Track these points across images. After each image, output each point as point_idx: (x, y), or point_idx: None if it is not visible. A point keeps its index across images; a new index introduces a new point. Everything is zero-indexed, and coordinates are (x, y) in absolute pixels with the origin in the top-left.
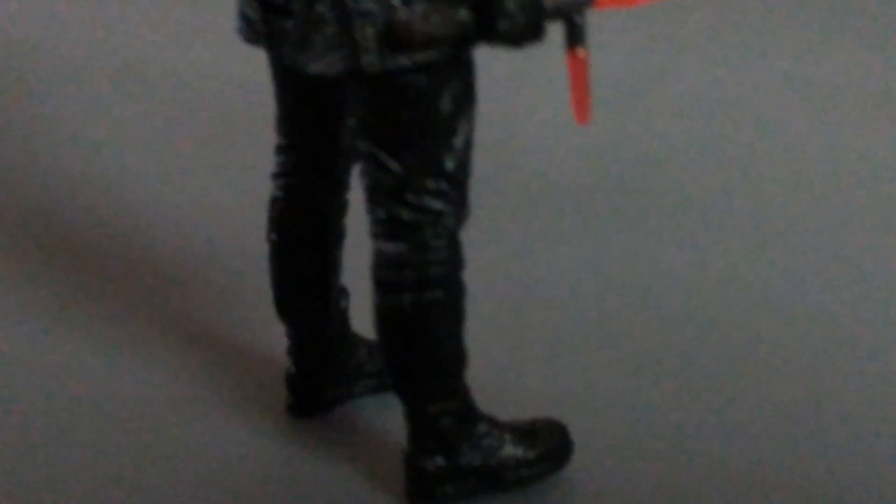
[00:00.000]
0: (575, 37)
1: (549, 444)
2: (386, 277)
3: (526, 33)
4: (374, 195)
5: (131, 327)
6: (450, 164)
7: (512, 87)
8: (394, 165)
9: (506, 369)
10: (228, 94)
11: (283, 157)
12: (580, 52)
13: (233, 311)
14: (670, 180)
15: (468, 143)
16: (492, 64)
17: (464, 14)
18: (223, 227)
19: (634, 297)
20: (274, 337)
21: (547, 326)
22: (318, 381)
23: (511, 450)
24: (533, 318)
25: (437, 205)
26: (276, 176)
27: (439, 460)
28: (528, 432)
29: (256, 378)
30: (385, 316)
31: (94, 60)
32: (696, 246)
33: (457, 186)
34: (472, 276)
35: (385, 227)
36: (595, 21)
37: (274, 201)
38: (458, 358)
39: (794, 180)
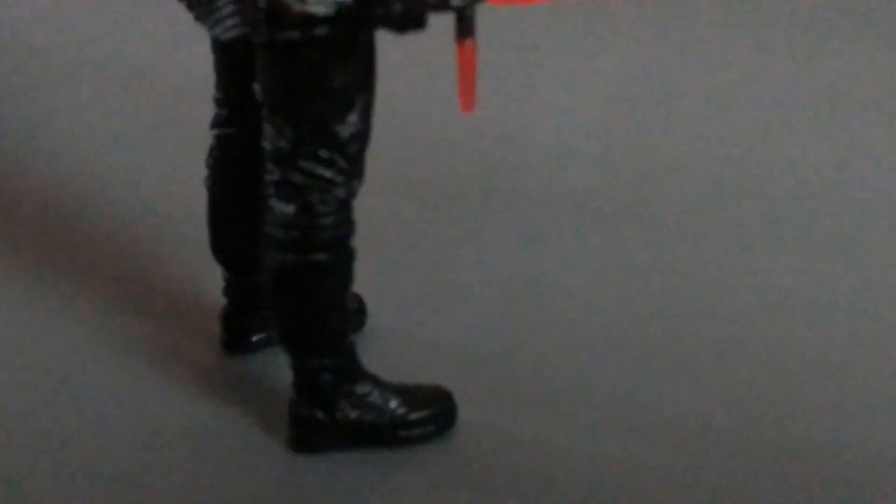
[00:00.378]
0: (464, 29)
1: (434, 408)
2: (274, 235)
3: (406, 22)
4: (271, 158)
5: (73, 280)
6: (343, 136)
7: (521, 93)
8: (290, 133)
9: (512, 376)
10: None
11: (217, 108)
12: (468, 43)
13: (182, 261)
14: (680, 183)
15: (365, 118)
16: (502, 67)
17: None
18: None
19: (644, 300)
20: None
21: (553, 327)
22: (247, 321)
23: (393, 410)
24: (540, 319)
25: (327, 173)
26: (212, 126)
27: (319, 413)
28: (412, 395)
29: (199, 317)
30: (271, 272)
31: (100, 61)
32: (707, 248)
33: (349, 157)
34: (481, 279)
35: (277, 189)
36: (604, 25)
37: (210, 150)
38: (340, 318)
39: (807, 183)
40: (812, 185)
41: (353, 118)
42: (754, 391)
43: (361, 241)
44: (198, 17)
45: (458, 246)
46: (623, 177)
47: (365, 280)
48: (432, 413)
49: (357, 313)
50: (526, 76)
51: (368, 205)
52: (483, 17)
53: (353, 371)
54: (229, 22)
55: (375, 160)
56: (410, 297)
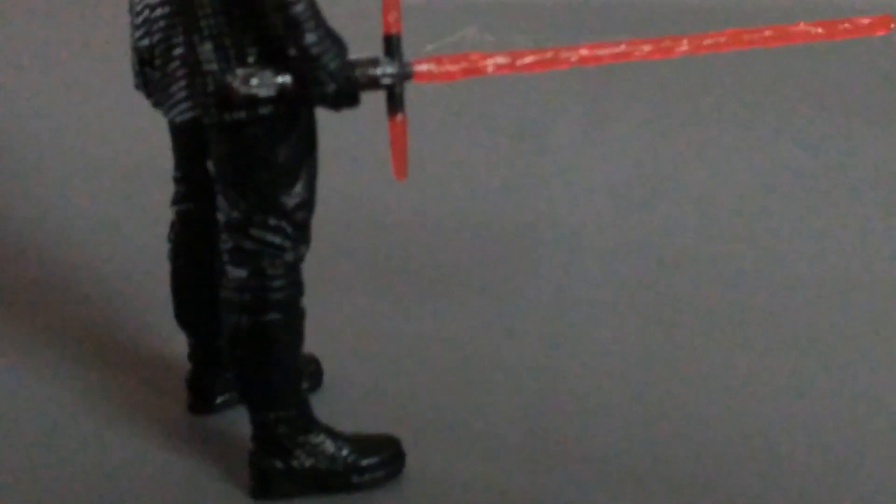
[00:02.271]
0: (394, 104)
1: (383, 454)
2: (230, 298)
3: (341, 100)
4: (225, 227)
5: (54, 339)
6: (290, 206)
7: (526, 183)
8: (241, 204)
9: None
10: None
11: (176, 186)
12: (399, 117)
13: (150, 325)
14: (689, 276)
15: (310, 188)
16: (507, 156)
17: (284, 79)
18: None
19: (649, 389)
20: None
21: (574, 432)
22: (211, 383)
23: (345, 457)
24: (559, 423)
25: (276, 240)
26: (172, 203)
27: (277, 462)
28: (362, 443)
29: (166, 380)
30: (229, 332)
31: (108, 157)
32: (713, 342)
33: (296, 224)
34: (495, 378)
35: (231, 255)
36: (607, 112)
37: (172, 225)
38: (294, 373)
39: (815, 275)
40: (820, 278)
41: (298, 189)
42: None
43: (364, 336)
44: (156, 104)
45: (461, 339)
46: (631, 270)
47: (367, 372)
48: (382, 459)
49: (314, 375)
50: (531, 165)
51: (378, 298)
52: (489, 107)
53: (307, 422)
54: (182, 106)
55: (389, 254)
56: (414, 385)
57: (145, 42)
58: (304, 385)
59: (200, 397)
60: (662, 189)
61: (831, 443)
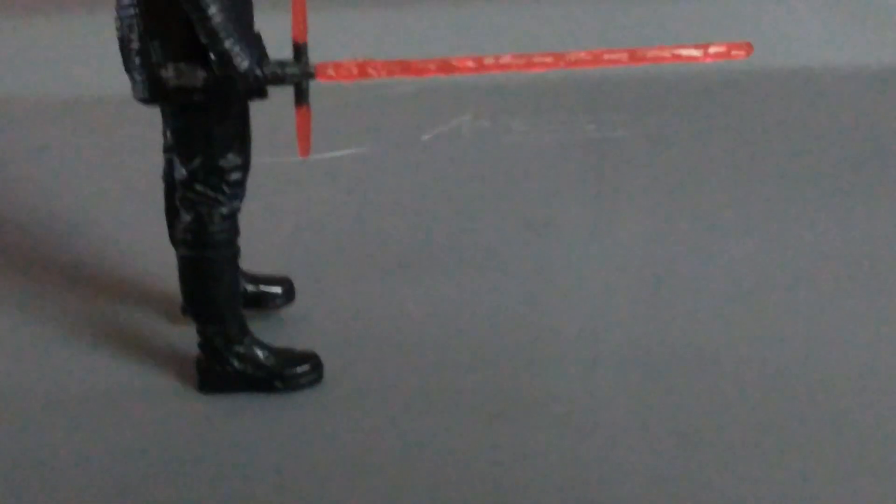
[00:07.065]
0: (301, 97)
1: (303, 365)
2: (179, 237)
3: (251, 93)
4: (178, 181)
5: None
6: (226, 167)
7: (536, 280)
8: (188, 165)
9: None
10: None
11: (164, 138)
12: (304, 108)
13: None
14: (709, 381)
15: (243, 153)
16: (516, 247)
17: (203, 74)
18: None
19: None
20: None
21: None
22: None
23: (271, 366)
24: None
25: (213, 194)
26: (163, 150)
27: (216, 366)
28: (287, 356)
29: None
30: (179, 263)
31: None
32: (743, 460)
33: (230, 183)
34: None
35: (182, 203)
36: (613, 197)
37: (164, 167)
38: (228, 297)
39: (848, 371)
40: (853, 373)
41: (231, 155)
42: None
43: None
44: (131, 81)
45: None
46: (648, 374)
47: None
48: (302, 370)
49: (288, 292)
50: (540, 257)
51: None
52: (492, 199)
53: (241, 335)
54: (139, 87)
55: (388, 368)
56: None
57: (118, 34)
58: (279, 301)
59: None
60: (676, 281)
61: None
